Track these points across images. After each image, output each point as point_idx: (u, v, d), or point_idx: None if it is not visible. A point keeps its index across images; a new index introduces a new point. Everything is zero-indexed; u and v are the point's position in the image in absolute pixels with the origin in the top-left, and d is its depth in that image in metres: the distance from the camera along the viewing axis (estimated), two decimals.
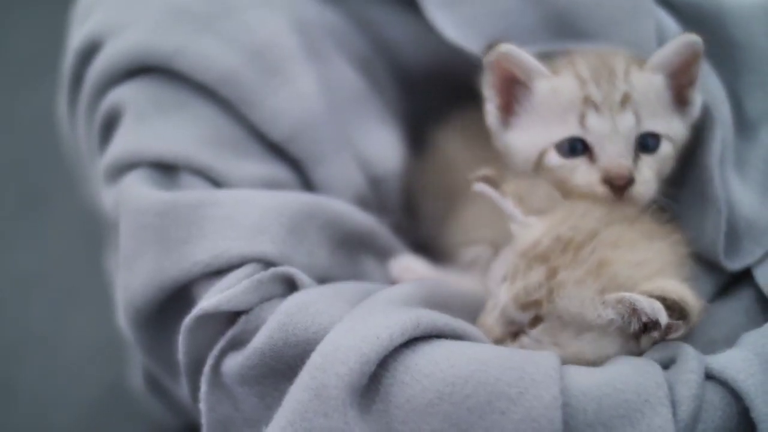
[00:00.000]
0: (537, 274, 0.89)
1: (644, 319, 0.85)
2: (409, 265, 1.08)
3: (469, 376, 0.79)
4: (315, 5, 1.21)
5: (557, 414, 0.77)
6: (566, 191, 0.99)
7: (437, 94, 1.25)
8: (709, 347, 0.94)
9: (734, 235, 1.01)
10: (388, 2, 1.24)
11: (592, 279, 0.88)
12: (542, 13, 1.18)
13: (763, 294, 0.98)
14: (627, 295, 0.85)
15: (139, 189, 1.00)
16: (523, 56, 1.01)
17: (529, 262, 0.91)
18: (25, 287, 1.69)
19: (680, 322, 0.85)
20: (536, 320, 0.89)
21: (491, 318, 0.93)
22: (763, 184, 1.04)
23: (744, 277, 1.01)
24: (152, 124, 1.05)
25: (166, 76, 1.07)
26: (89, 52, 1.10)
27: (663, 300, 0.84)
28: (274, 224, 0.97)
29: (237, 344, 0.91)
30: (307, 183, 1.10)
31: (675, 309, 0.84)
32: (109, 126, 1.08)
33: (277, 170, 1.08)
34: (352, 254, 1.06)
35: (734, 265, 1.01)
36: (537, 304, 0.89)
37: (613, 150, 0.97)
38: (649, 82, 1.00)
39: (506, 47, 1.00)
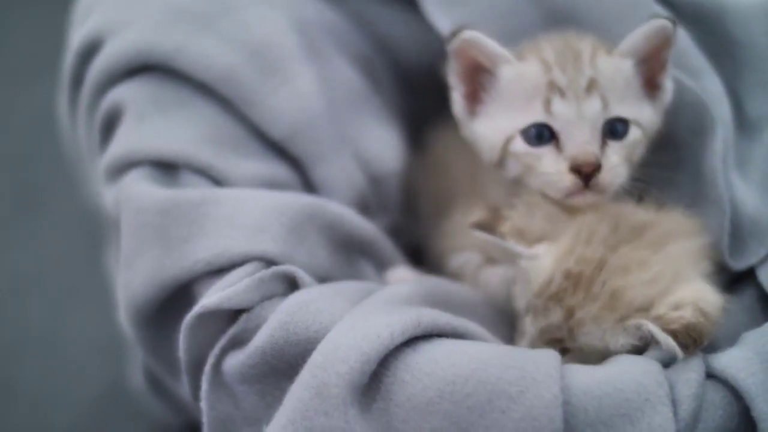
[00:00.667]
0: (555, 315, 0.90)
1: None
2: (405, 277, 1.07)
3: (470, 374, 0.79)
4: (315, 4, 1.21)
5: (558, 413, 0.77)
6: (535, 179, 0.99)
7: (437, 94, 1.25)
8: (710, 346, 0.95)
9: (738, 235, 1.01)
10: (388, 1, 1.24)
11: (609, 312, 0.89)
12: (542, 11, 1.18)
13: (764, 293, 0.98)
14: (643, 323, 0.86)
15: (139, 187, 1.00)
16: (488, 42, 1.00)
17: (546, 303, 0.91)
18: (24, 286, 1.69)
19: (697, 349, 0.85)
20: (563, 351, 0.89)
21: (524, 343, 0.94)
22: (765, 184, 1.04)
23: (745, 276, 1.01)
24: (153, 122, 1.05)
25: (167, 75, 1.07)
26: (90, 51, 1.10)
27: (674, 335, 0.84)
28: (274, 223, 0.97)
29: (238, 343, 0.91)
30: (307, 182, 1.10)
31: (692, 334, 0.84)
32: (110, 125, 1.08)
33: (277, 169, 1.08)
34: (350, 258, 1.06)
35: (739, 264, 1.01)
36: (560, 341, 0.90)
37: (580, 136, 0.96)
38: (616, 68, 0.99)
39: (470, 34, 0.99)
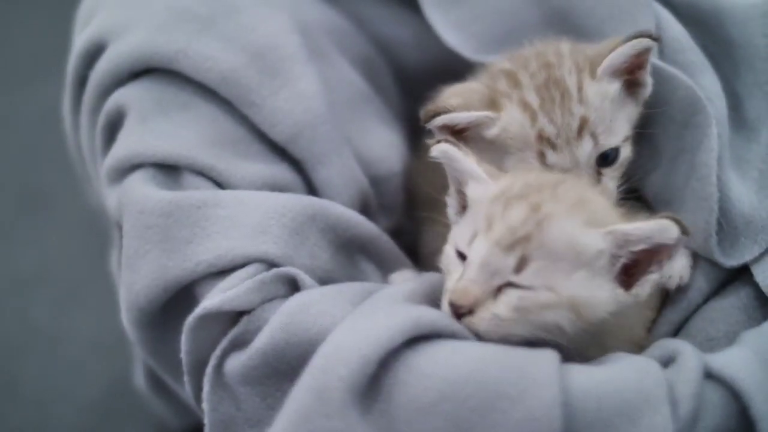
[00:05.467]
0: (520, 211, 0.87)
1: (640, 247, 0.86)
2: (408, 279, 1.07)
3: (470, 375, 0.79)
4: (316, 5, 1.21)
5: (557, 413, 0.77)
6: None
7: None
8: (708, 345, 0.95)
9: (733, 232, 1.01)
10: (388, 2, 1.24)
11: (578, 212, 0.87)
12: (542, 11, 1.18)
13: (761, 292, 0.98)
14: (620, 227, 0.86)
15: (142, 189, 1.00)
16: (459, 117, 1.00)
17: (507, 202, 0.88)
18: (28, 286, 1.70)
19: (685, 236, 0.85)
20: (523, 262, 0.85)
21: (464, 282, 0.87)
22: (761, 183, 1.04)
23: (742, 274, 1.02)
24: (155, 125, 1.05)
25: (169, 77, 1.08)
26: (93, 53, 1.11)
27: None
28: (276, 225, 0.97)
29: (239, 344, 0.92)
30: (308, 184, 1.10)
31: (678, 220, 0.85)
32: (113, 127, 1.08)
33: (279, 171, 1.08)
34: (352, 259, 1.06)
35: (731, 261, 1.01)
36: (525, 239, 0.85)
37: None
38: (603, 93, 1.00)
39: (442, 119, 1.00)
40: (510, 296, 0.85)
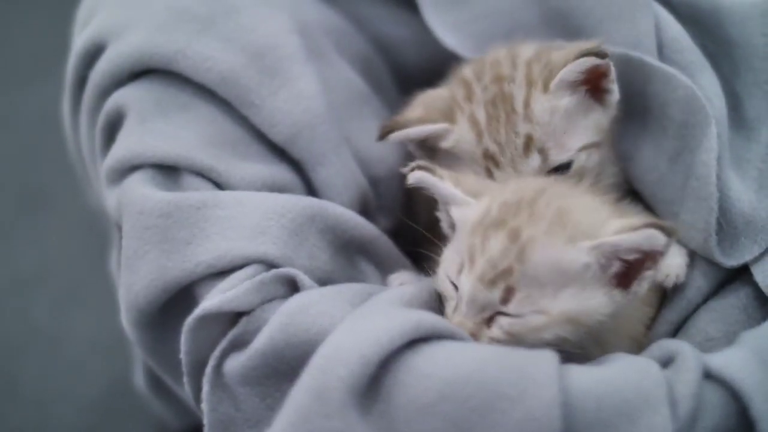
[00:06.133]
0: (498, 241, 0.87)
1: (631, 257, 0.86)
2: (406, 281, 1.07)
3: (470, 376, 0.79)
4: (315, 5, 1.21)
5: (557, 413, 0.77)
6: None
7: None
8: (708, 345, 0.95)
9: (733, 232, 1.01)
10: (387, 2, 1.24)
11: (559, 229, 0.87)
12: (542, 10, 1.18)
13: (761, 292, 0.98)
14: (605, 240, 0.85)
15: (141, 190, 1.00)
16: (414, 133, 1.03)
17: (485, 233, 0.88)
18: (27, 286, 1.70)
19: (674, 238, 0.85)
20: (508, 293, 0.86)
21: (458, 316, 0.89)
22: (761, 183, 1.04)
23: (742, 274, 1.02)
24: (154, 125, 1.05)
25: (168, 78, 1.08)
26: (92, 54, 1.11)
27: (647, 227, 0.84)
28: (275, 226, 0.97)
29: (239, 345, 0.92)
30: (308, 184, 1.10)
31: (663, 226, 0.85)
32: (112, 128, 1.08)
33: (279, 171, 1.08)
34: (351, 260, 1.06)
35: (731, 261, 1.01)
36: (507, 272, 0.86)
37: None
38: (552, 108, 1.01)
39: (397, 135, 1.03)
40: (502, 323, 0.87)
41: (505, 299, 0.86)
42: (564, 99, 1.01)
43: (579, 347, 0.88)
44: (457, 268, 0.90)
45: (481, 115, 1.02)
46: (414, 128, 1.03)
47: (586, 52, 0.99)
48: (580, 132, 1.02)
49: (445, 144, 1.04)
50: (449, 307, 0.91)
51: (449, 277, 0.91)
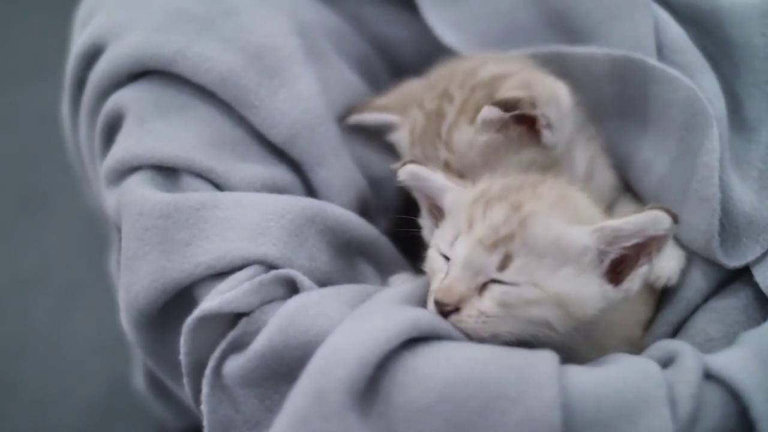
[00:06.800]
0: (501, 210, 0.87)
1: (633, 241, 0.86)
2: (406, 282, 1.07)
3: (469, 376, 0.79)
4: (314, 6, 1.21)
5: (556, 414, 0.77)
6: None
7: None
8: (708, 346, 0.95)
9: (735, 233, 1.01)
10: (386, 2, 1.24)
11: (561, 209, 0.87)
12: (542, 11, 1.18)
13: (761, 293, 0.98)
14: (610, 223, 0.86)
15: (141, 191, 1.00)
16: (367, 119, 1.06)
17: (487, 204, 0.88)
18: (27, 287, 1.70)
19: (677, 225, 0.85)
20: (507, 260, 0.86)
21: (448, 281, 0.87)
22: (761, 183, 1.04)
23: (742, 274, 1.02)
24: (154, 126, 1.05)
25: (167, 79, 1.08)
26: (92, 55, 1.11)
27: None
28: (275, 227, 0.97)
29: (238, 346, 0.91)
30: (307, 185, 1.10)
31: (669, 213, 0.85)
32: (111, 129, 1.08)
33: (278, 172, 1.08)
34: (351, 261, 1.06)
35: (734, 262, 1.01)
36: (509, 238, 0.86)
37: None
38: (471, 142, 1.01)
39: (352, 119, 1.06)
40: (494, 292, 0.86)
41: (503, 265, 0.86)
42: (485, 136, 1.00)
43: (570, 345, 0.88)
44: (450, 240, 0.90)
45: (418, 126, 1.03)
46: (368, 114, 1.06)
47: (496, 102, 0.98)
48: (504, 166, 1.01)
49: (393, 138, 1.06)
50: (436, 281, 0.90)
51: (440, 250, 0.91)
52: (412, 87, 1.10)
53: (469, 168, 1.01)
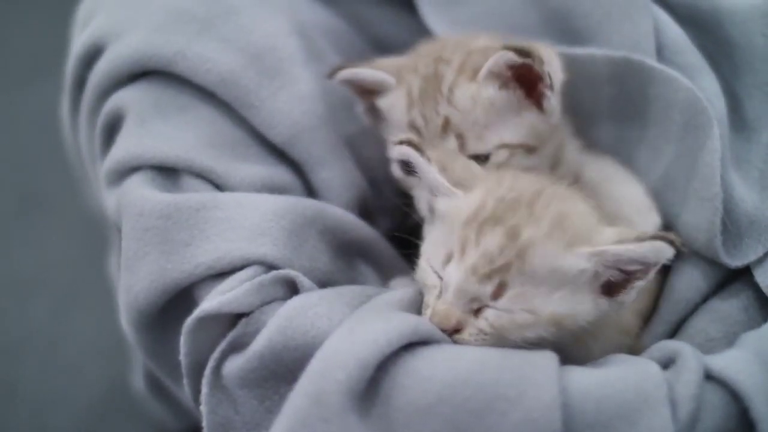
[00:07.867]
0: (496, 237, 0.86)
1: (631, 267, 0.85)
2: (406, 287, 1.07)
3: (469, 378, 0.79)
4: (314, 7, 1.21)
5: (556, 415, 0.77)
6: None
7: None
8: (708, 346, 0.95)
9: (737, 233, 1.01)
10: (386, 3, 1.24)
11: (559, 233, 0.86)
12: (541, 12, 1.18)
13: (762, 293, 0.98)
14: (607, 248, 0.85)
15: (141, 192, 1.00)
16: (362, 73, 1.05)
17: (481, 227, 0.87)
18: (26, 288, 1.70)
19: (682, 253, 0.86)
20: (501, 289, 0.85)
21: (442, 304, 0.87)
22: (762, 184, 1.04)
23: (743, 274, 1.01)
24: (154, 127, 1.05)
25: (167, 79, 1.08)
26: (91, 55, 1.11)
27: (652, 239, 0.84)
28: (275, 227, 0.97)
29: (238, 347, 0.91)
30: (307, 186, 1.10)
31: (670, 238, 0.85)
32: (111, 129, 1.08)
33: (278, 173, 1.08)
34: (351, 262, 1.06)
35: (736, 262, 1.01)
36: (504, 268, 0.85)
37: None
38: (474, 97, 1.01)
39: (345, 73, 1.05)
40: (489, 316, 0.86)
41: (497, 294, 0.86)
42: (489, 91, 1.00)
43: (560, 345, 0.88)
44: (443, 258, 0.89)
45: (416, 88, 1.03)
46: (363, 69, 1.05)
47: (506, 46, 0.98)
48: (505, 129, 1.01)
49: (383, 102, 1.05)
50: (431, 296, 0.90)
51: (432, 267, 0.90)
52: (394, 60, 1.10)
53: (471, 127, 1.00)
